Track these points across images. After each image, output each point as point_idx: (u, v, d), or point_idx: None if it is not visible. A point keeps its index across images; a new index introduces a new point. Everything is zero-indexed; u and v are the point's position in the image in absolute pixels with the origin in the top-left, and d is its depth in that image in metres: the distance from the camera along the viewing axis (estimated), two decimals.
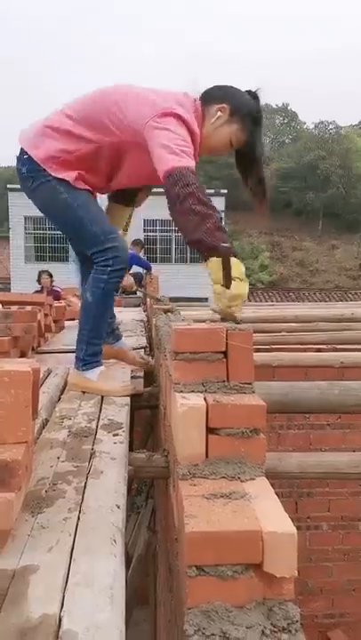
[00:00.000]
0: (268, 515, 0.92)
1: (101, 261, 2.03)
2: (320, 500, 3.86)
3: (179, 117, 1.87)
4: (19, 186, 2.20)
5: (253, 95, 2.08)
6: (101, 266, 2.03)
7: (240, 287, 1.60)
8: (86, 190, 2.07)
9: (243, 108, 2.04)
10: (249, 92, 2.08)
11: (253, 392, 1.24)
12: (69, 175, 2.02)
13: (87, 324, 2.11)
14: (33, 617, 0.75)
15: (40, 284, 8.29)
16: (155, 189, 2.38)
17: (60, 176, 2.01)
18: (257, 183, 2.09)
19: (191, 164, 1.79)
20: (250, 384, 1.25)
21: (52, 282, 8.24)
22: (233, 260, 1.60)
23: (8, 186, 19.65)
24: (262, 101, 2.12)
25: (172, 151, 1.78)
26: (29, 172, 2.06)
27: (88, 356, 2.10)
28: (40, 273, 8.43)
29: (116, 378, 2.23)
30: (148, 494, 3.35)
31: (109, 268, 2.03)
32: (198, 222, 1.65)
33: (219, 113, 2.01)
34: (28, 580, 0.83)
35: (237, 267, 1.61)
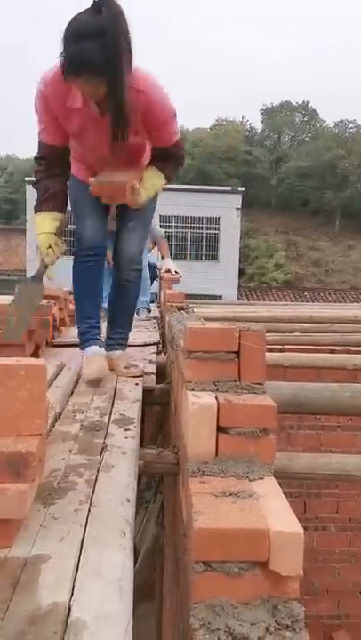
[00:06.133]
0: (276, 514, 0.93)
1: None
2: (329, 502, 3.86)
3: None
4: None
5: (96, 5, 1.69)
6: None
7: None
8: (84, 183, 2.18)
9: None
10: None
11: (264, 392, 1.25)
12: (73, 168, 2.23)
13: (75, 305, 2.36)
14: (43, 604, 0.77)
15: None
16: (168, 186, 2.37)
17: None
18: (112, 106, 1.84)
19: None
20: (261, 384, 1.26)
21: None
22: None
23: (26, 179, 19.66)
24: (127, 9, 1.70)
25: None
26: None
27: (80, 336, 2.32)
28: None
29: (97, 361, 2.17)
30: (157, 489, 3.38)
31: (73, 249, 2.30)
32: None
33: None
34: (40, 569, 0.86)
35: None
